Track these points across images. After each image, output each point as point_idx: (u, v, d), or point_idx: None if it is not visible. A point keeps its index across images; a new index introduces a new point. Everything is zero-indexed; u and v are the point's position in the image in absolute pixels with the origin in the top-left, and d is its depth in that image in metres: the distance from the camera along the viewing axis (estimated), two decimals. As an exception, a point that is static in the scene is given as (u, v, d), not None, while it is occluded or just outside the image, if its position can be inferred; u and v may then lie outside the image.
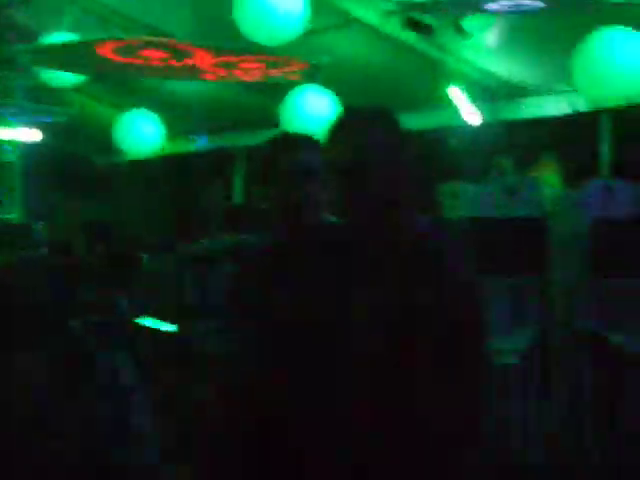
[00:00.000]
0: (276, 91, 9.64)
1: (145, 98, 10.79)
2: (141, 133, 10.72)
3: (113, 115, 10.94)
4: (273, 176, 2.87)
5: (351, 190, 2.27)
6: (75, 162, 12.94)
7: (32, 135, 12.06)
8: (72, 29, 8.57)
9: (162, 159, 11.89)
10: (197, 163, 12.75)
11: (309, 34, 7.35)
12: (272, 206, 2.89)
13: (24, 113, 11.33)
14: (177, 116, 11.07)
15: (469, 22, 7.10)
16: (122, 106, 10.97)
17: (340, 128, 2.36)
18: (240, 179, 12.23)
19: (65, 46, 8.13)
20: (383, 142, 2.29)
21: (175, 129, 11.47)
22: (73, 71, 9.23)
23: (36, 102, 11.29)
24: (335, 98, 8.40)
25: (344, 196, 2.31)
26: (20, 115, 11.38)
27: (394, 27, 7.51)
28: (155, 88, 10.42)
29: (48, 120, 11.44)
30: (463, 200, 7.83)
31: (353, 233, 2.37)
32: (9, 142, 12.62)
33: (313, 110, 8.03)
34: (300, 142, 3.01)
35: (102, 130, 11.08)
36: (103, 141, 11.24)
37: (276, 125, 9.15)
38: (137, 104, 10.79)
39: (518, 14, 6.63)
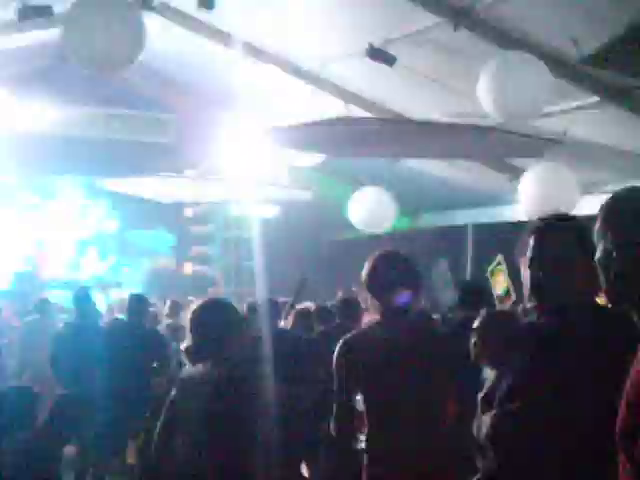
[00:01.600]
0: (509, 169, 9.66)
1: (378, 175, 11.04)
2: (374, 210, 10.94)
3: (348, 192, 11.25)
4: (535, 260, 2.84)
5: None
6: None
7: (270, 211, 12.67)
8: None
9: (392, 235, 12.04)
10: (426, 240, 12.84)
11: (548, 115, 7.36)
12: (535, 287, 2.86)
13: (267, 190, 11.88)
14: (408, 193, 11.25)
15: None
16: (357, 183, 11.26)
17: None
18: (469, 256, 12.21)
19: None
20: None
21: (407, 205, 11.65)
22: (312, 151, 9.61)
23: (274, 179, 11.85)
24: (573, 175, 8.25)
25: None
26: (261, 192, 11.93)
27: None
28: (388, 166, 10.66)
29: (288, 197, 11.94)
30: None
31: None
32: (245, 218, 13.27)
33: (553, 188, 7.89)
34: (557, 225, 2.95)
35: (337, 207, 11.42)
36: (338, 217, 11.57)
37: (511, 203, 9.13)
38: (371, 181, 11.06)
39: None
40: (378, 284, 3.85)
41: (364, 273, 3.87)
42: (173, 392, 4.00)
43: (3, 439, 4.83)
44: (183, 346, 4.07)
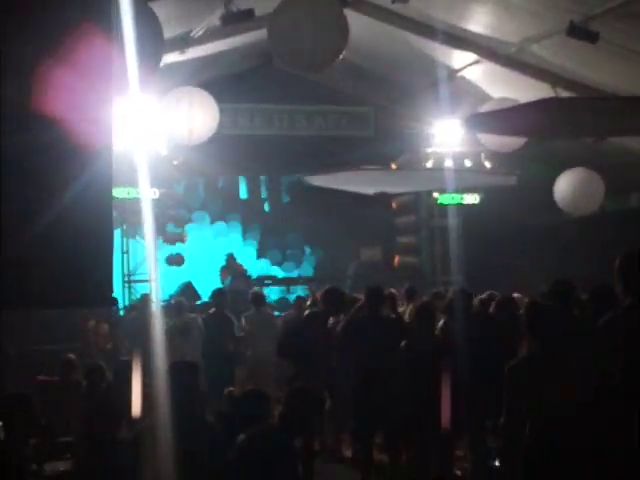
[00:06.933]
0: None
1: (584, 156, 10.75)
2: (581, 191, 10.68)
3: (552, 175, 11.00)
4: None
5: None
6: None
7: (471, 199, 12.59)
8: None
9: (599, 217, 11.66)
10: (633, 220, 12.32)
11: None
12: None
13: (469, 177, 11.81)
14: (616, 172, 10.87)
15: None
16: (561, 166, 11.00)
17: None
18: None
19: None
20: None
21: (615, 185, 11.25)
22: (517, 135, 9.43)
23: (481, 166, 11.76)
24: None
25: None
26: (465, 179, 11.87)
27: None
28: (594, 146, 10.34)
29: (493, 184, 11.80)
30: None
31: None
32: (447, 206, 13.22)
33: None
34: None
35: (541, 190, 11.19)
36: (541, 201, 11.34)
37: None
38: (577, 163, 10.79)
39: None
40: None
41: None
42: None
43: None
44: None
